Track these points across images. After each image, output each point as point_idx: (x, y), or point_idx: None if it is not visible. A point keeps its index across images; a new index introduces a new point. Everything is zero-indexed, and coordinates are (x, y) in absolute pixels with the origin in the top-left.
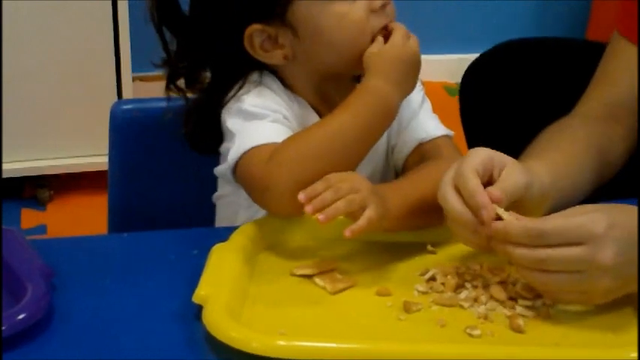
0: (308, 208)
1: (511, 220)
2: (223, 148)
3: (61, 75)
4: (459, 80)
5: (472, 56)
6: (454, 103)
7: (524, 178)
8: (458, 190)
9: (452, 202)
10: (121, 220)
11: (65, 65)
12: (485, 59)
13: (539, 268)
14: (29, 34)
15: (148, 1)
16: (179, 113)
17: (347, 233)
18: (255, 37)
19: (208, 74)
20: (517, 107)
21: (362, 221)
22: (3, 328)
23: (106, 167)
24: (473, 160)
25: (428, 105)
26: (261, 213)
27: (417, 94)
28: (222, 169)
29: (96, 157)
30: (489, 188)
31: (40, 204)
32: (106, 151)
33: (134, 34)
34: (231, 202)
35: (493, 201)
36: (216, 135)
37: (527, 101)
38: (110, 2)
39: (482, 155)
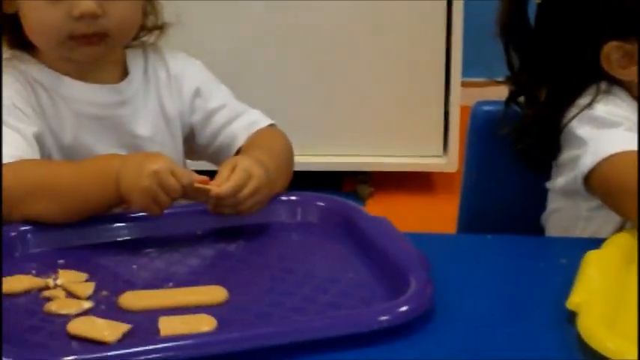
0: None
1: None
2: (565, 158)
3: (389, 74)
4: None
5: None
6: None
7: None
8: None
9: None
10: (471, 220)
11: (395, 65)
12: None
13: None
14: (362, 31)
15: (497, 17)
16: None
17: None
18: (613, 53)
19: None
20: None
21: None
22: (386, 317)
23: (426, 169)
24: None
25: None
26: (602, 222)
27: None
28: (561, 182)
29: (419, 158)
30: None
31: (359, 199)
32: (430, 152)
33: (466, 40)
34: (567, 216)
35: None
36: (552, 149)
37: None
38: (445, 5)
39: None
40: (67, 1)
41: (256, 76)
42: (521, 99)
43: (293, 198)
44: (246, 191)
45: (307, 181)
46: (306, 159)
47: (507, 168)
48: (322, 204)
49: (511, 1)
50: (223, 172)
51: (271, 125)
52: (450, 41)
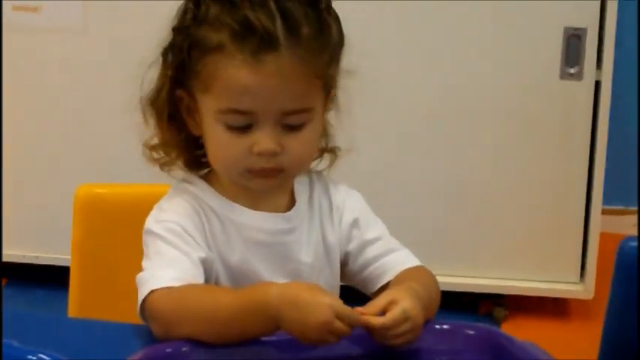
0: None
1: None
2: None
3: (529, 199)
4: None
5: None
6: None
7: None
8: None
9: None
10: (613, 352)
11: (535, 190)
12: None
13: None
14: (502, 156)
15: None
16: None
17: None
18: None
19: None
20: None
21: None
22: None
23: (562, 295)
24: None
25: None
26: None
27: None
28: None
29: (555, 284)
30: None
31: (494, 322)
32: (566, 278)
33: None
34: None
35: None
36: None
37: None
38: (589, 132)
39: None
40: (250, 138)
41: (396, 195)
42: None
43: (445, 327)
44: (398, 331)
45: (444, 301)
46: (443, 279)
47: None
48: (472, 332)
49: None
50: (380, 302)
51: (419, 266)
52: (592, 169)
